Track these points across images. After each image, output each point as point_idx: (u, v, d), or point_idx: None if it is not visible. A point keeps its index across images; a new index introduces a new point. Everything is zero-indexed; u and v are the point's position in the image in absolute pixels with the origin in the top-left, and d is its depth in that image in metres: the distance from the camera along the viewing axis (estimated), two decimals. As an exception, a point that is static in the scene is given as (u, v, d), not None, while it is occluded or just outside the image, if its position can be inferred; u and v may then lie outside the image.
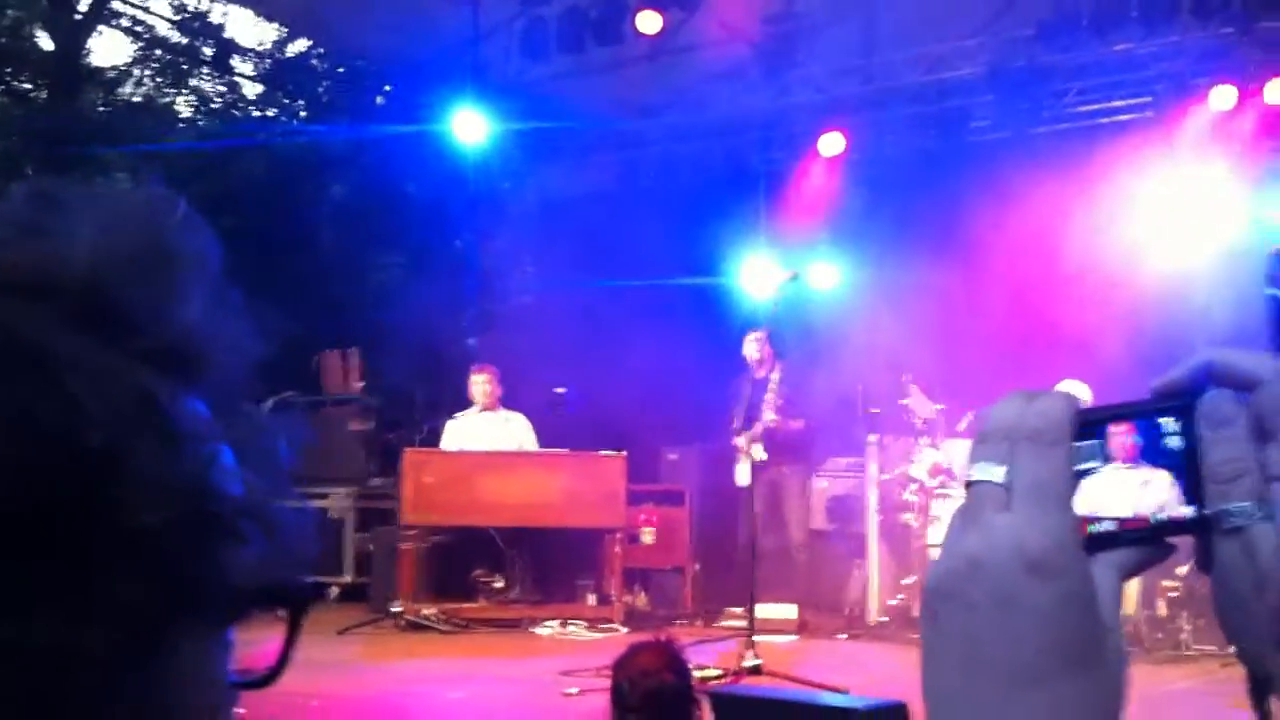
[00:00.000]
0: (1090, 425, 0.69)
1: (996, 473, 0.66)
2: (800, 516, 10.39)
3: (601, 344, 12.04)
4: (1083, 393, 9.42)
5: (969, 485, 0.67)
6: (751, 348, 10.22)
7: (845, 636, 9.67)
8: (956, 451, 9.84)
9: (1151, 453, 0.69)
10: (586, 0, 11.49)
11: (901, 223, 11.31)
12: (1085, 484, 0.68)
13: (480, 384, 10.46)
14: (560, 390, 11.95)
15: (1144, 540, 0.69)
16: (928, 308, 11.17)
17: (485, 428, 10.40)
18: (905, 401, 10.17)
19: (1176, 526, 0.69)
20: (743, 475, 9.75)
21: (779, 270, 10.02)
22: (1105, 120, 11.73)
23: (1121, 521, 0.69)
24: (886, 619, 9.77)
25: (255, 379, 0.70)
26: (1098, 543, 0.68)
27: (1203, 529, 0.67)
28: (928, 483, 9.70)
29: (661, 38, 11.47)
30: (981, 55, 11.74)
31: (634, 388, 11.65)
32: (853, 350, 11.74)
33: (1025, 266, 11.16)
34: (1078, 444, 0.67)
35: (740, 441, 9.93)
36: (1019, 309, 11.09)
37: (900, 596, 9.71)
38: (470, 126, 12.40)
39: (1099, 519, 0.68)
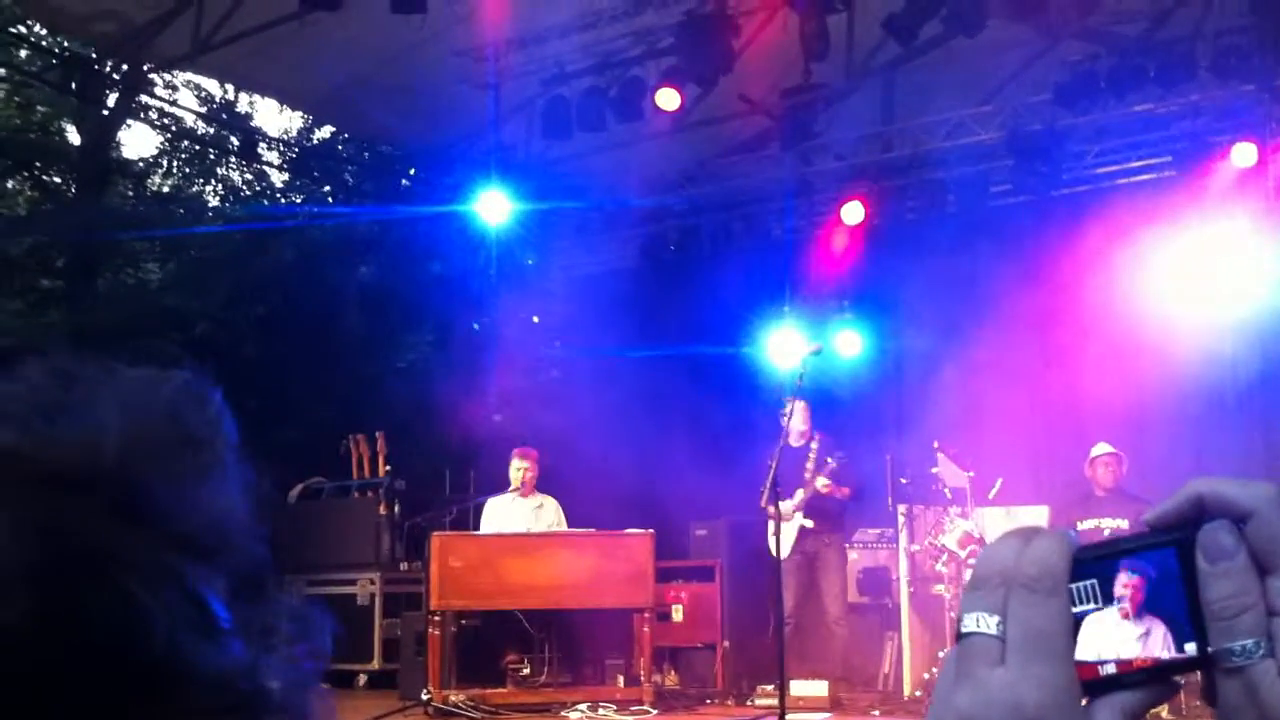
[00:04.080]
0: (1086, 564, 0.66)
1: (990, 623, 0.64)
2: (839, 589, 10.24)
3: (627, 418, 11.99)
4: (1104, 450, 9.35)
5: (960, 637, 0.65)
6: (799, 418, 10.03)
7: (879, 713, 9.50)
8: (987, 520, 9.73)
9: (1152, 594, 0.66)
10: (606, 79, 11.54)
11: (925, 289, 11.27)
12: (1086, 625, 0.66)
13: (518, 469, 10.36)
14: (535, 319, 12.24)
15: (1146, 682, 0.66)
16: (954, 374, 11.09)
17: (518, 514, 10.33)
18: (934, 470, 10.07)
19: (1180, 666, 0.66)
20: (783, 546, 9.57)
21: (804, 341, 9.98)
22: (1126, 181, 11.67)
23: (1121, 664, 0.66)
24: (921, 694, 9.59)
25: (268, 560, 0.69)
26: (1099, 687, 0.66)
27: (1206, 667, 0.65)
28: (959, 553, 9.56)
29: (681, 113, 11.51)
30: (999, 119, 11.72)
31: (661, 462, 11.59)
32: (879, 419, 11.68)
33: (1051, 329, 11.09)
34: (1073, 584, 0.65)
35: (783, 508, 9.71)
36: (1046, 372, 11.01)
37: (935, 670, 9.53)
38: (494, 206, 12.48)
39: (1102, 662, 0.66)
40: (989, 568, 0.65)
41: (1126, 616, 0.66)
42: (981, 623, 0.64)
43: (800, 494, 9.96)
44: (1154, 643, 0.66)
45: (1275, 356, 10.17)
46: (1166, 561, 0.66)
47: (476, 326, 14.27)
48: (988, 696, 0.62)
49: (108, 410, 0.62)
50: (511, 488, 10.36)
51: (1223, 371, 10.66)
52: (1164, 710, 7.86)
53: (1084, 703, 0.64)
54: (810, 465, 10.02)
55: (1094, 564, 0.67)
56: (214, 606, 0.61)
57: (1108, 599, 0.66)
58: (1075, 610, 0.65)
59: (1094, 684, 0.65)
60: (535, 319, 13.39)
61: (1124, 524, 8.76)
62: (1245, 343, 10.66)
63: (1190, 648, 0.65)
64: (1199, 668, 0.65)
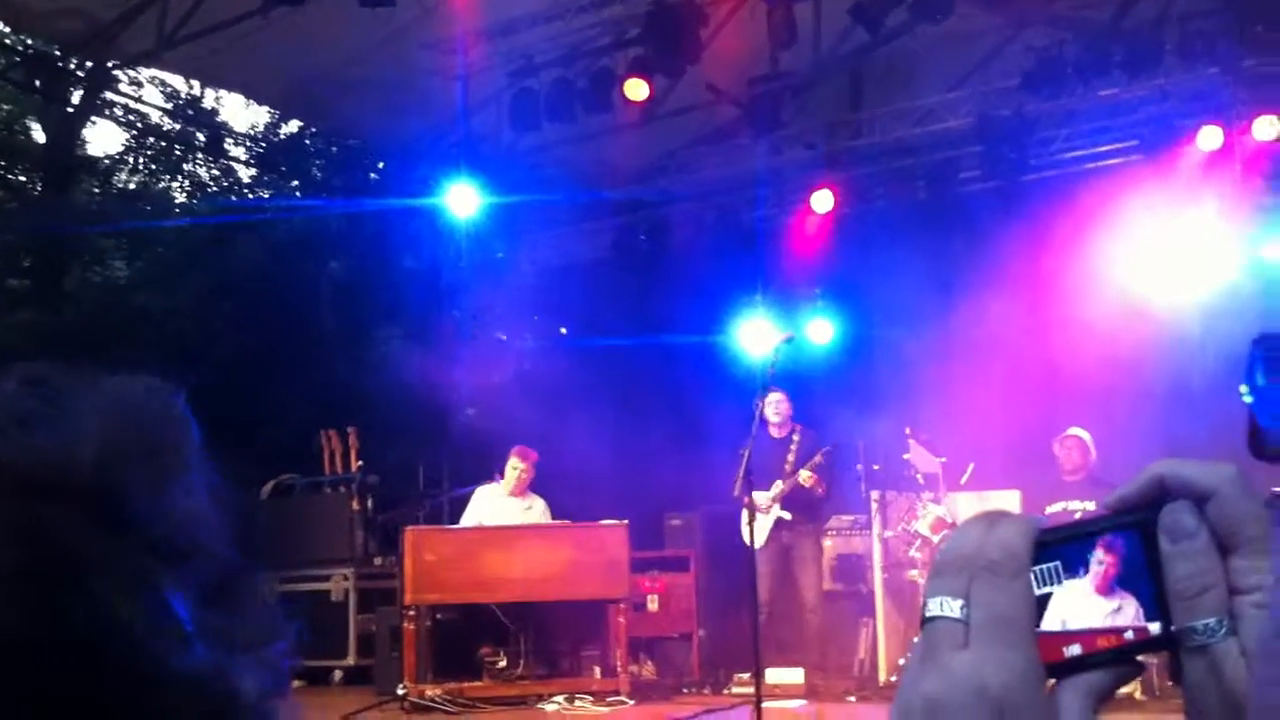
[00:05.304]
0: (1050, 547, 0.67)
1: (953, 607, 0.64)
2: (815, 578, 10.27)
3: (601, 410, 11.98)
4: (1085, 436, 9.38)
5: (925, 621, 0.65)
6: (772, 409, 10.01)
7: (854, 699, 9.53)
8: (959, 505, 9.76)
9: (1121, 575, 0.67)
10: (574, 70, 11.51)
11: (896, 276, 11.27)
12: (1056, 594, 0.66)
13: (514, 469, 10.28)
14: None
15: (1112, 661, 0.66)
16: (925, 360, 11.12)
17: (506, 511, 10.28)
18: (906, 456, 10.09)
19: (1144, 645, 0.66)
20: (758, 535, 9.58)
21: (776, 330, 9.98)
22: (1094, 165, 11.72)
23: (1085, 642, 0.66)
24: (896, 679, 9.61)
25: (245, 557, 0.70)
26: (1064, 669, 0.66)
27: (1170, 646, 0.66)
28: (932, 538, 9.59)
29: (650, 103, 11.50)
30: (968, 106, 11.75)
31: (635, 453, 11.59)
32: (851, 405, 11.68)
33: (1021, 314, 11.12)
34: (1036, 567, 0.66)
35: (760, 499, 9.71)
36: (1016, 357, 11.03)
37: (909, 655, 9.54)
38: (463, 199, 12.44)
39: (1068, 635, 0.66)
40: (953, 552, 0.65)
41: (1100, 591, 0.66)
42: (945, 606, 0.64)
43: (779, 485, 9.96)
44: (1125, 617, 0.66)
45: (1243, 338, 10.18)
46: (1130, 543, 0.67)
47: (457, 314, 14.22)
48: (952, 679, 0.62)
49: (83, 418, 0.63)
50: (506, 486, 10.30)
51: (1191, 354, 10.71)
52: (1136, 690, 7.91)
53: (1050, 683, 0.64)
54: (792, 458, 10.03)
55: (1058, 547, 0.67)
56: (182, 611, 0.61)
57: (1076, 575, 0.66)
58: (1038, 593, 0.66)
59: (1059, 665, 0.65)
60: (503, 337, 13.45)
61: (1091, 507, 8.80)
62: (1213, 325, 10.71)
63: (1154, 627, 0.66)
64: (1163, 647, 0.66)
